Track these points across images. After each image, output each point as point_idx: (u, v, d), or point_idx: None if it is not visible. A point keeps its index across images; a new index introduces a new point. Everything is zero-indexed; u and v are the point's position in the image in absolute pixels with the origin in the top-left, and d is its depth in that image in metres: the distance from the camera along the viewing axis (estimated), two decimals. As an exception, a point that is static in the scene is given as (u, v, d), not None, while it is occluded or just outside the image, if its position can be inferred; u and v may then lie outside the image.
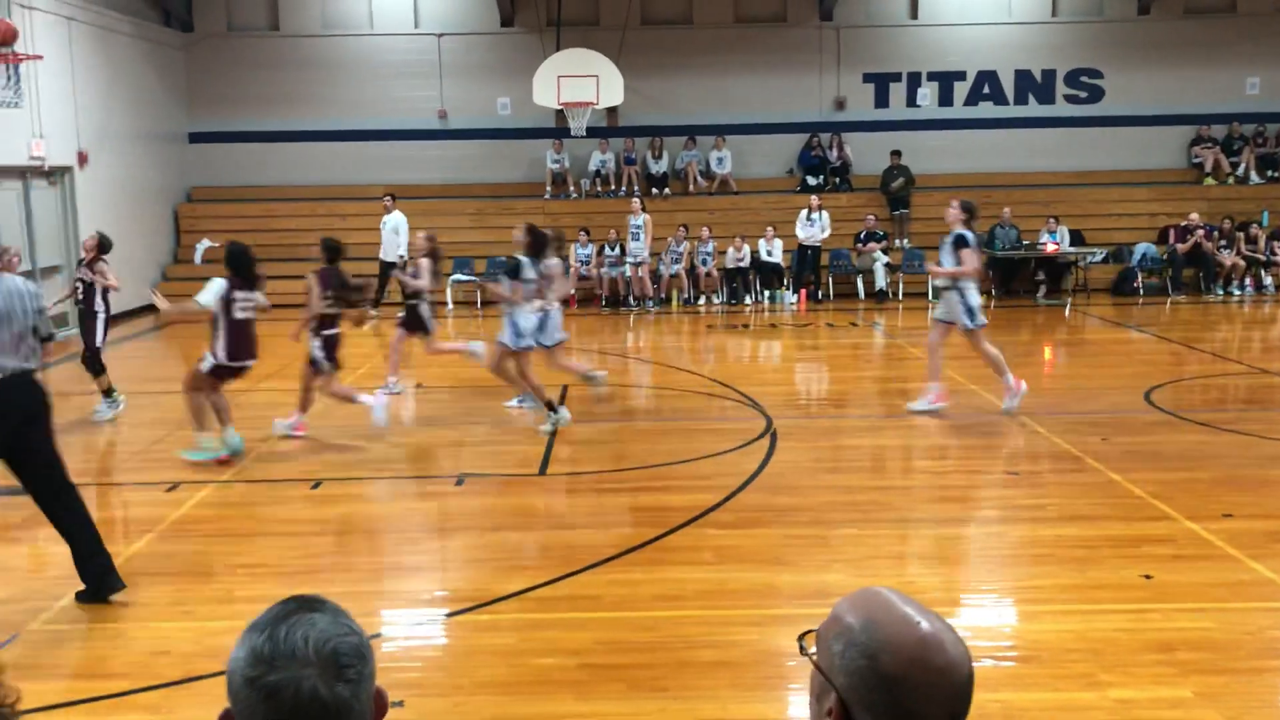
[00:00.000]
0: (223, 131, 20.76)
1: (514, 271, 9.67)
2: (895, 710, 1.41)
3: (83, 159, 16.58)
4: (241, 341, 8.76)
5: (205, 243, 19.69)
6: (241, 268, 8.91)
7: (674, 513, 7.17)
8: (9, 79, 10.34)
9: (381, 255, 17.69)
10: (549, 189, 20.49)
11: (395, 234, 17.55)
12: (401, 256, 16.64)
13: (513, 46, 20.46)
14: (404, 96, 20.76)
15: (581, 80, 17.93)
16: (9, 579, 6.28)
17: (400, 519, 7.57)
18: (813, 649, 1.51)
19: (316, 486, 8.05)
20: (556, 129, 20.20)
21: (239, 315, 8.73)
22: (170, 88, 20.09)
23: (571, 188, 20.60)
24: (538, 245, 9.89)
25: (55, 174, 16.11)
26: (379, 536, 7.17)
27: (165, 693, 4.82)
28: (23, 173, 15.22)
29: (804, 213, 18.76)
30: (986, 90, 21.17)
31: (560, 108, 18.46)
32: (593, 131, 19.55)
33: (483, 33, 20.68)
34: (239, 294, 8.73)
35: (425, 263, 11.00)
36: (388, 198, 18.01)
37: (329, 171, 20.77)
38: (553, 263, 10.20)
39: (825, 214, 18.81)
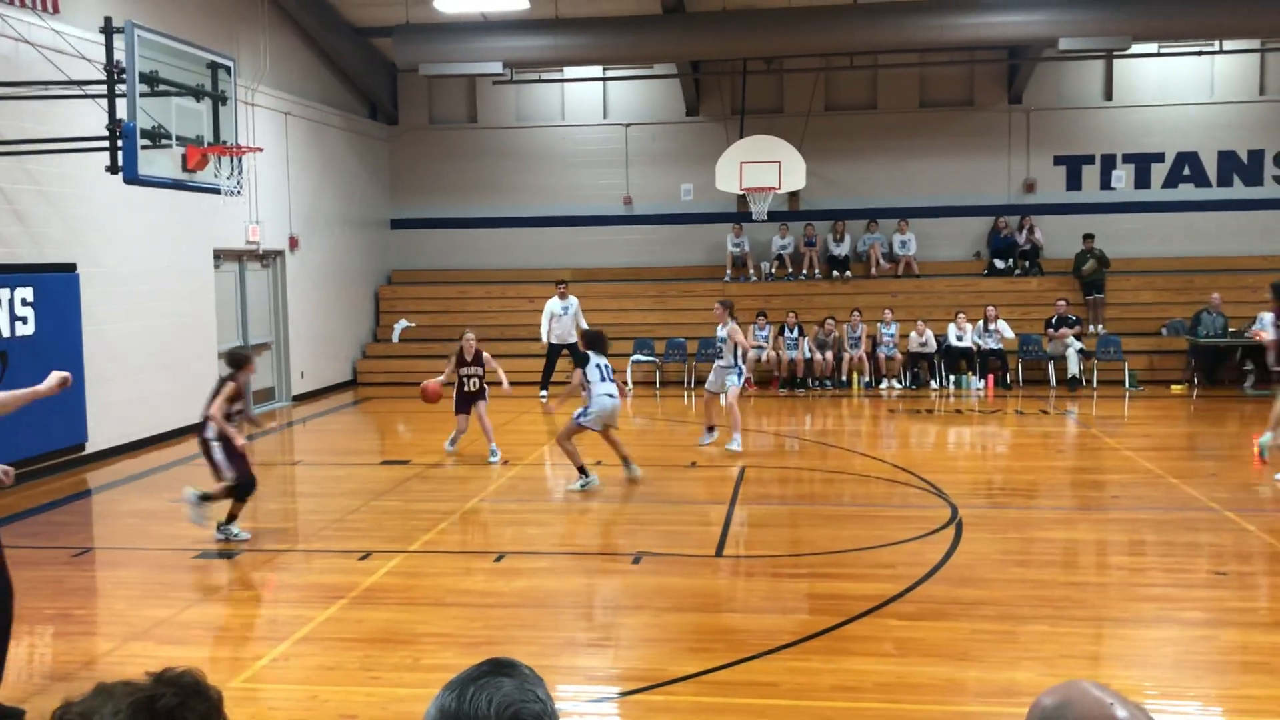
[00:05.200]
0: (422, 218, 21.87)
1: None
2: None
3: (294, 243, 17.72)
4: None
5: (403, 323, 20.68)
6: None
7: (853, 601, 7.01)
8: (233, 170, 11.18)
9: (555, 339, 17.83)
10: (729, 272, 20.69)
11: (575, 318, 17.80)
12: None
13: (697, 134, 20.92)
14: (592, 184, 21.45)
15: (764, 166, 18.14)
16: (215, 639, 6.63)
17: (578, 595, 7.65)
18: None
19: (499, 559, 8.24)
20: (737, 213, 20.46)
21: None
22: (375, 177, 21.34)
23: (752, 271, 20.74)
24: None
25: (268, 257, 17.26)
26: (557, 611, 7.25)
27: (352, 755, 4.97)
28: (239, 256, 16.37)
29: (980, 324, 18.34)
30: (1187, 172, 20.34)
31: (742, 193, 18.69)
32: (774, 215, 19.69)
33: (669, 122, 21.22)
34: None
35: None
36: (563, 284, 18.24)
37: (519, 256, 21.56)
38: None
39: (1004, 323, 18.32)
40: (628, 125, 21.32)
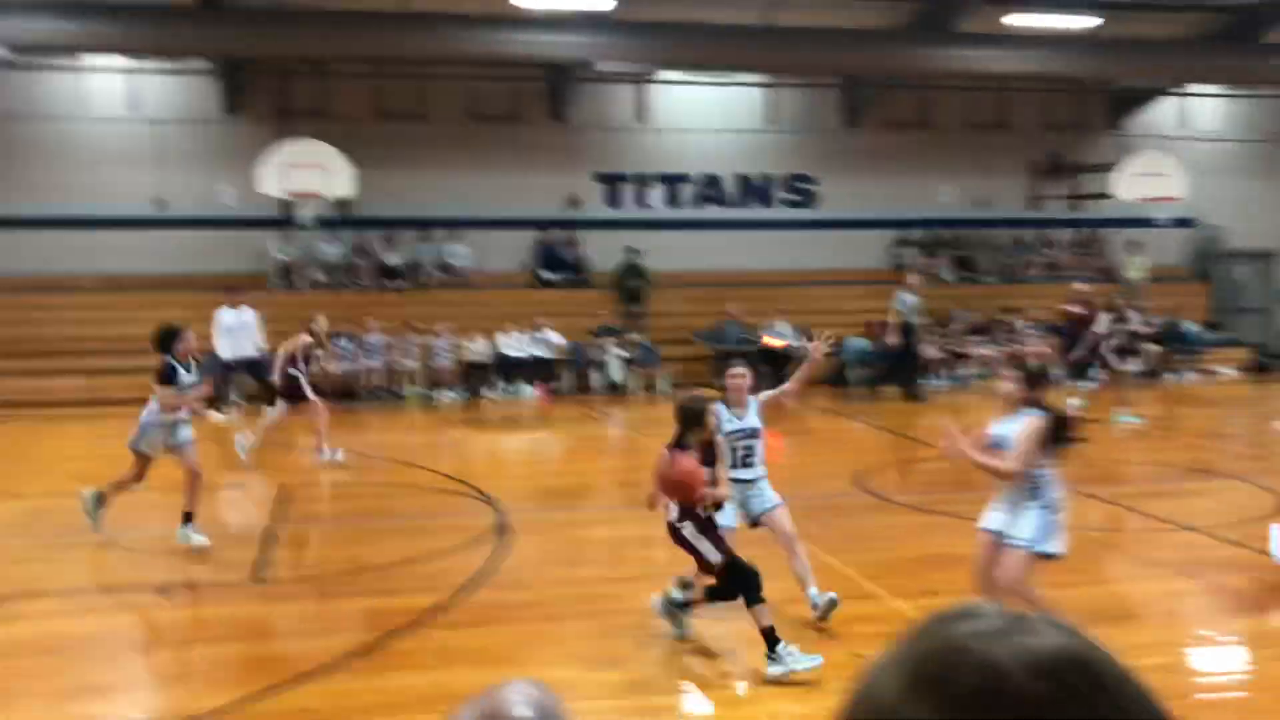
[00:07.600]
0: (-95, 216, 18.93)
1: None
2: None
3: None
4: None
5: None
6: None
7: (396, 615, 6.88)
8: None
9: (231, 354, 16.23)
10: (274, 280, 19.77)
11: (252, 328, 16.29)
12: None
13: (238, 135, 19.78)
14: (116, 182, 19.62)
15: (309, 170, 17.52)
16: None
17: (93, 637, 6.89)
18: None
19: (-4, 605, 7.26)
20: (283, 219, 19.60)
21: None
22: None
23: (300, 279, 19.96)
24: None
25: None
26: (69, 658, 6.48)
27: None
28: None
29: (531, 333, 18.98)
30: (712, 193, 22.21)
31: (287, 198, 17.96)
32: (324, 222, 19.11)
33: (205, 121, 19.92)
34: None
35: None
36: (235, 290, 16.68)
37: (28, 260, 19.21)
38: None
39: (552, 333, 19.09)
40: (157, 122, 19.76)
